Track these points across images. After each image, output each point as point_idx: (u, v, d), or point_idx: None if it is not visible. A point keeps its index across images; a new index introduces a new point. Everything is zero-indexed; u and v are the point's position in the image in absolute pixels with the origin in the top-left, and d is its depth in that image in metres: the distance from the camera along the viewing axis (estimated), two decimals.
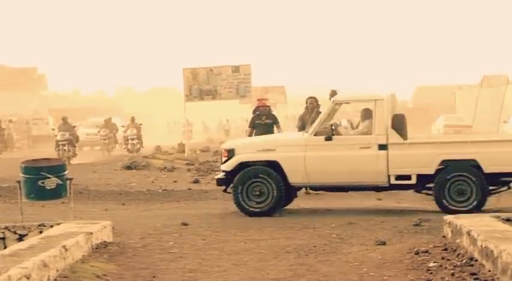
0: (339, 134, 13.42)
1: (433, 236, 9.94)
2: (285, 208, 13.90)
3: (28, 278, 6.41)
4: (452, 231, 9.12)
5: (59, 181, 11.42)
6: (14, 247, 7.85)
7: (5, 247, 9.17)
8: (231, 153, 13.66)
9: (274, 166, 13.30)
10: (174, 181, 20.09)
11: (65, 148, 28.36)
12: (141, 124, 35.96)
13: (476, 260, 7.58)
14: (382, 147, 13.07)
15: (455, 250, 8.34)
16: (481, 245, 7.44)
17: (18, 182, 11.64)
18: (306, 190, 15.27)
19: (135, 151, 33.79)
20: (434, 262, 7.96)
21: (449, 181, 12.84)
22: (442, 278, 7.26)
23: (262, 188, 13.26)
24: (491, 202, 13.40)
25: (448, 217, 9.55)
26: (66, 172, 11.63)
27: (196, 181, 19.83)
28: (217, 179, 13.96)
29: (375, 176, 13.10)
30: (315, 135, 13.40)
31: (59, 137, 28.73)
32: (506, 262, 6.52)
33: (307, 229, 11.28)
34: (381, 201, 15.52)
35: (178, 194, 16.09)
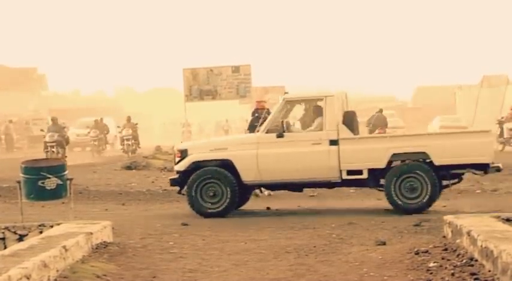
0: (290, 131, 13.51)
1: (433, 236, 9.94)
2: (290, 208, 13.91)
3: (28, 278, 6.41)
4: (452, 231, 9.12)
5: (59, 181, 11.42)
6: (14, 247, 7.85)
7: (5, 247, 9.18)
8: (184, 153, 13.76)
9: (227, 166, 13.38)
10: None
11: (54, 149, 27.39)
12: (137, 124, 34.80)
13: (476, 261, 7.58)
14: (333, 142, 13.23)
15: (455, 250, 8.34)
16: (481, 245, 7.44)
17: (18, 182, 11.64)
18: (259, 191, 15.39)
19: (131, 151, 32.86)
20: (434, 262, 7.96)
21: (400, 176, 12.97)
22: (442, 278, 7.26)
23: (216, 189, 13.35)
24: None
25: (448, 217, 9.55)
26: (66, 172, 11.63)
27: None
28: (171, 180, 14.01)
29: (327, 172, 13.22)
30: (266, 132, 13.52)
31: (47, 139, 27.84)
32: (506, 262, 6.52)
33: (307, 229, 11.29)
34: (381, 201, 15.50)
35: (178, 194, 16.05)
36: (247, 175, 13.37)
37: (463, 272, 7.30)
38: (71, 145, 38.45)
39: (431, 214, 12.52)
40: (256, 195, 15.65)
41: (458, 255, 8.09)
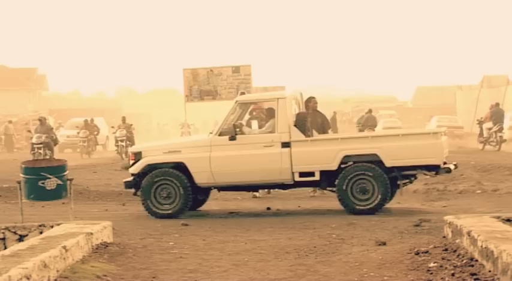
0: (243, 133, 13.56)
1: (433, 236, 9.94)
2: (287, 208, 13.90)
3: (28, 278, 6.41)
4: (452, 231, 9.12)
5: (59, 181, 11.43)
6: (14, 247, 7.85)
7: (5, 248, 9.18)
8: (137, 156, 13.81)
9: (181, 168, 13.42)
10: None
11: (41, 151, 26.47)
12: (131, 125, 33.74)
13: (476, 261, 7.58)
14: (285, 145, 13.29)
15: (455, 251, 8.34)
16: (481, 246, 7.44)
17: (19, 182, 11.65)
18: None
19: (124, 153, 31.32)
20: (434, 263, 7.96)
21: (351, 178, 13.04)
22: (442, 278, 7.25)
23: (169, 190, 13.38)
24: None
25: (448, 217, 9.55)
26: (66, 173, 11.64)
27: None
28: (125, 182, 14.02)
29: (279, 174, 13.28)
30: (219, 135, 13.58)
31: (34, 140, 26.91)
32: (507, 262, 6.52)
33: (307, 230, 11.28)
34: None
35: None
36: (200, 178, 13.45)
37: (463, 272, 7.30)
38: (61, 146, 37.95)
39: (432, 215, 12.51)
40: (254, 196, 15.66)
41: (458, 255, 8.09)
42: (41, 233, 9.44)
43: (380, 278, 7.57)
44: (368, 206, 13.00)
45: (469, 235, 8.08)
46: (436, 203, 14.98)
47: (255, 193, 15.76)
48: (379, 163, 13.04)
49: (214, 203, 15.69)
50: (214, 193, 16.26)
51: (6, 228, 9.90)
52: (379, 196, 12.99)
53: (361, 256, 8.83)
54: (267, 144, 13.36)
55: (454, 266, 7.62)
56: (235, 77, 30.28)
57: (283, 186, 13.87)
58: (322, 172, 13.24)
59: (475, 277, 7.03)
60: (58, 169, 11.57)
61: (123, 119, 33.96)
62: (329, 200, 15.71)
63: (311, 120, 16.06)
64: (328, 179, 13.38)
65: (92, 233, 8.98)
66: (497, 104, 31.46)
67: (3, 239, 9.83)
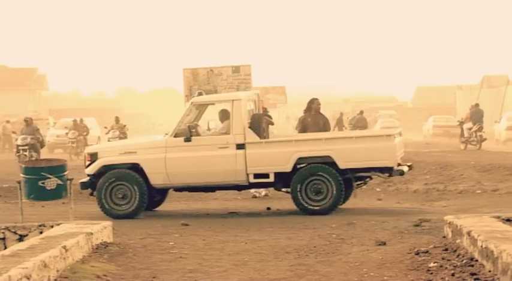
0: (198, 134, 13.59)
1: (433, 236, 9.94)
2: (286, 208, 13.89)
3: (28, 278, 6.41)
4: (452, 231, 9.12)
5: (59, 181, 11.44)
6: (14, 247, 7.84)
7: (5, 248, 9.17)
8: (94, 157, 13.86)
9: (137, 169, 13.47)
10: None
11: (26, 153, 25.33)
12: (125, 126, 32.67)
13: (476, 261, 7.57)
14: (240, 146, 13.35)
15: (455, 251, 8.34)
16: (481, 246, 7.43)
17: (19, 182, 11.65)
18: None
19: None
20: (434, 263, 7.96)
21: (305, 179, 13.13)
22: (442, 278, 7.25)
23: (125, 191, 13.41)
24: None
25: (449, 217, 9.55)
26: (66, 172, 11.65)
27: None
28: (81, 183, 14.02)
29: (234, 175, 13.35)
30: (174, 136, 13.62)
31: (19, 142, 25.89)
32: (507, 262, 6.52)
33: (307, 229, 11.28)
34: (381, 201, 15.53)
35: (178, 194, 16.06)
36: (156, 179, 13.48)
37: (463, 272, 7.29)
38: (51, 146, 37.40)
39: (432, 215, 12.51)
40: (254, 196, 15.66)
41: (458, 255, 8.09)
42: (41, 233, 9.43)
43: (380, 278, 7.57)
44: (322, 207, 13.10)
45: (469, 235, 8.08)
46: (436, 203, 14.98)
47: (254, 193, 15.74)
48: (333, 164, 13.14)
49: (214, 203, 15.70)
50: (214, 193, 16.28)
51: (6, 228, 9.89)
52: (333, 197, 13.10)
53: (361, 256, 8.83)
54: (222, 145, 13.43)
55: (454, 266, 7.62)
56: (235, 77, 30.19)
57: (238, 187, 13.97)
58: (276, 174, 13.32)
59: (475, 277, 7.03)
60: (58, 169, 11.58)
61: (117, 119, 33.12)
62: None
63: (312, 122, 16.04)
64: (282, 180, 13.45)
65: (92, 233, 8.97)
66: (477, 105, 32.22)
67: (3, 239, 9.83)
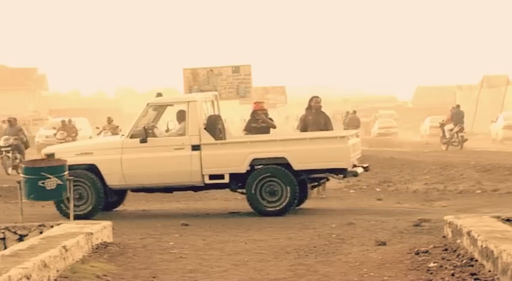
0: (155, 136, 13.66)
1: (433, 236, 9.93)
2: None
3: (28, 278, 6.41)
4: (452, 231, 9.12)
5: (59, 181, 11.42)
6: (14, 247, 7.85)
7: (5, 247, 9.17)
8: (50, 157, 13.79)
9: (93, 169, 13.51)
10: None
11: (9, 154, 24.38)
12: (118, 126, 31.76)
13: (476, 261, 7.57)
14: (195, 147, 13.41)
15: (455, 251, 8.34)
16: (481, 246, 7.43)
17: (19, 182, 11.65)
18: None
19: None
20: (434, 263, 7.96)
21: (260, 180, 13.20)
22: (442, 278, 7.25)
23: (81, 192, 13.43)
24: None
25: (448, 217, 9.55)
26: (66, 172, 11.64)
27: None
28: None
29: (190, 176, 13.42)
30: (130, 137, 13.69)
31: (1, 143, 24.75)
32: (507, 262, 6.52)
33: (307, 229, 11.28)
34: (381, 201, 15.53)
35: (178, 194, 16.07)
36: (112, 180, 13.54)
37: (463, 272, 7.29)
38: (40, 147, 36.80)
39: (432, 215, 12.51)
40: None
41: (458, 255, 8.09)
42: (41, 233, 9.43)
43: (380, 278, 7.57)
44: (277, 208, 13.14)
45: (469, 235, 8.08)
46: (436, 203, 14.97)
47: None
48: (288, 165, 13.18)
49: (214, 203, 15.70)
50: (214, 193, 16.29)
51: (6, 228, 9.89)
52: (288, 198, 13.13)
53: (361, 256, 8.83)
54: (178, 147, 13.49)
55: (454, 266, 7.62)
56: (235, 77, 30.22)
57: (194, 188, 14.02)
58: (232, 175, 13.39)
59: (475, 277, 7.03)
60: (58, 169, 11.57)
61: (109, 120, 32.54)
62: (329, 200, 15.73)
63: (313, 121, 16.04)
64: (238, 181, 13.51)
65: (91, 233, 8.97)
66: (458, 106, 33.08)
67: (3, 239, 9.83)
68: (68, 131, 34.19)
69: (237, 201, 15.79)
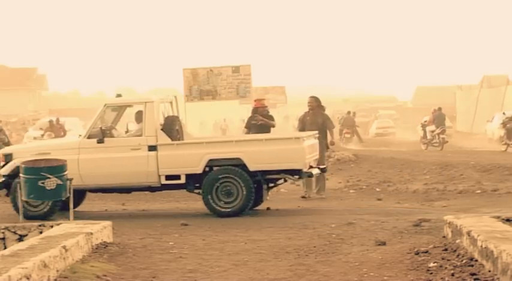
0: (112, 136, 13.74)
1: (433, 236, 9.94)
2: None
3: (28, 278, 6.41)
4: (452, 231, 9.12)
5: (59, 181, 11.44)
6: (14, 247, 7.85)
7: (5, 247, 9.18)
8: (8, 158, 13.91)
9: None
10: None
11: None
12: (60, 128, 31.71)
13: (476, 261, 7.58)
14: (152, 148, 13.48)
15: (455, 250, 8.34)
16: (481, 246, 7.43)
17: (18, 182, 11.65)
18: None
19: None
20: (434, 263, 7.96)
21: (216, 181, 13.26)
22: (442, 278, 7.25)
23: None
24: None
25: (448, 217, 9.55)
26: (66, 172, 11.65)
27: None
28: None
29: (146, 177, 13.50)
30: (88, 138, 13.76)
31: None
32: (506, 262, 6.52)
33: (307, 229, 11.28)
34: (381, 201, 15.53)
35: (178, 194, 16.07)
36: None
37: (463, 272, 7.30)
38: None
39: (431, 214, 12.51)
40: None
41: (458, 255, 8.09)
42: (40, 233, 9.43)
43: (380, 278, 7.57)
44: (232, 209, 13.19)
45: (468, 235, 8.08)
46: (436, 203, 14.97)
47: None
48: (243, 166, 13.23)
49: None
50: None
51: (6, 228, 9.89)
52: (243, 199, 13.18)
53: (361, 256, 8.83)
54: (134, 147, 13.55)
55: (454, 266, 7.62)
56: (235, 77, 30.20)
57: (151, 189, 14.05)
58: (188, 175, 13.43)
59: (474, 277, 7.03)
60: (58, 169, 11.59)
61: (54, 121, 32.11)
62: (329, 200, 15.73)
63: (311, 120, 16.05)
64: (195, 182, 13.54)
65: (91, 233, 8.98)
66: (440, 109, 34.20)
67: (3, 239, 9.83)
68: (56, 131, 33.62)
69: None
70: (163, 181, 13.50)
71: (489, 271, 7.06)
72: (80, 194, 14.40)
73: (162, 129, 13.69)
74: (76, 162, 13.47)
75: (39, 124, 39.36)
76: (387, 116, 58.18)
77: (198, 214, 13.86)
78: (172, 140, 13.72)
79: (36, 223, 10.06)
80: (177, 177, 13.46)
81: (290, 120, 66.34)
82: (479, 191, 16.39)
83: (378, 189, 17.53)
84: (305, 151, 13.32)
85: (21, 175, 11.67)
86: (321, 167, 14.55)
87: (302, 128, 16.26)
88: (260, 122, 16.73)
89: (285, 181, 14.08)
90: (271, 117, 17.35)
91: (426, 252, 8.58)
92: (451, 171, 19.87)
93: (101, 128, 13.64)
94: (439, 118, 32.96)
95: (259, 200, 13.92)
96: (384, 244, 9.62)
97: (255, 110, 17.30)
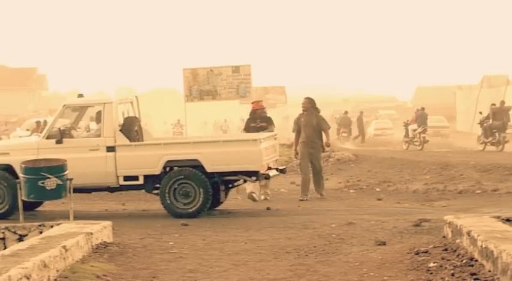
0: (71, 137, 13.77)
1: (433, 236, 9.94)
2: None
3: (28, 278, 6.41)
4: (452, 231, 9.12)
5: (59, 181, 11.43)
6: (14, 247, 7.85)
7: (5, 247, 9.18)
8: None
9: (11, 170, 13.47)
10: None
11: None
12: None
13: (476, 261, 7.58)
14: (110, 149, 13.54)
15: (455, 250, 8.34)
16: (481, 246, 7.44)
17: (18, 182, 11.65)
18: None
19: None
20: (434, 262, 7.96)
21: (173, 182, 13.27)
22: (442, 278, 7.26)
23: None
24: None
25: (448, 217, 9.55)
26: (66, 172, 11.64)
27: None
28: None
29: (104, 178, 13.53)
30: (47, 138, 13.76)
31: None
32: (506, 262, 6.52)
33: (307, 229, 11.28)
34: (381, 201, 15.53)
35: None
36: None
37: (463, 272, 7.30)
38: None
39: (431, 214, 12.51)
40: (254, 199, 15.65)
41: (458, 255, 8.09)
42: (40, 233, 9.43)
43: (380, 278, 7.57)
44: (190, 210, 13.20)
45: (468, 235, 8.08)
46: (436, 203, 14.97)
47: (253, 195, 15.70)
48: (201, 168, 13.26)
49: None
50: None
51: (6, 228, 9.90)
52: (201, 200, 13.19)
53: (361, 256, 8.83)
54: (93, 148, 13.59)
55: (454, 266, 7.62)
56: (235, 77, 30.18)
57: (109, 189, 14.06)
58: (146, 176, 13.47)
59: (474, 277, 7.03)
60: (58, 169, 11.58)
61: (38, 124, 31.62)
62: (329, 200, 15.72)
63: (305, 122, 16.00)
64: (151, 182, 13.57)
65: (91, 233, 8.98)
66: (423, 109, 35.10)
67: (3, 239, 9.83)
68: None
69: (237, 201, 15.81)
70: (122, 182, 13.54)
71: (489, 271, 7.06)
72: None
73: (121, 130, 13.70)
74: None
75: (26, 125, 39.00)
76: (387, 116, 58.13)
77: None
78: (131, 141, 13.72)
79: (36, 223, 10.06)
80: (135, 178, 13.51)
81: (290, 121, 66.34)
82: (479, 191, 16.38)
83: (378, 189, 17.52)
84: (262, 152, 13.37)
85: (21, 174, 11.66)
86: (280, 168, 14.58)
87: (298, 130, 16.20)
88: (260, 123, 16.67)
89: (245, 181, 14.11)
90: (269, 120, 17.17)
91: (426, 252, 8.58)
92: (451, 171, 19.86)
93: (59, 128, 13.65)
94: (421, 117, 33.41)
95: (216, 201, 13.91)
96: (383, 244, 9.62)
97: (253, 112, 17.19)
